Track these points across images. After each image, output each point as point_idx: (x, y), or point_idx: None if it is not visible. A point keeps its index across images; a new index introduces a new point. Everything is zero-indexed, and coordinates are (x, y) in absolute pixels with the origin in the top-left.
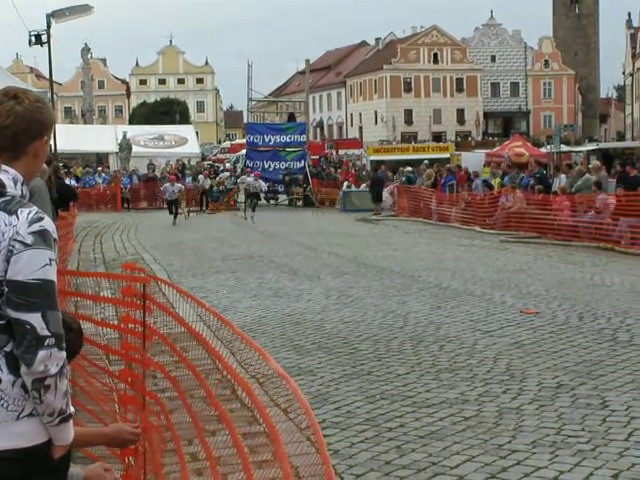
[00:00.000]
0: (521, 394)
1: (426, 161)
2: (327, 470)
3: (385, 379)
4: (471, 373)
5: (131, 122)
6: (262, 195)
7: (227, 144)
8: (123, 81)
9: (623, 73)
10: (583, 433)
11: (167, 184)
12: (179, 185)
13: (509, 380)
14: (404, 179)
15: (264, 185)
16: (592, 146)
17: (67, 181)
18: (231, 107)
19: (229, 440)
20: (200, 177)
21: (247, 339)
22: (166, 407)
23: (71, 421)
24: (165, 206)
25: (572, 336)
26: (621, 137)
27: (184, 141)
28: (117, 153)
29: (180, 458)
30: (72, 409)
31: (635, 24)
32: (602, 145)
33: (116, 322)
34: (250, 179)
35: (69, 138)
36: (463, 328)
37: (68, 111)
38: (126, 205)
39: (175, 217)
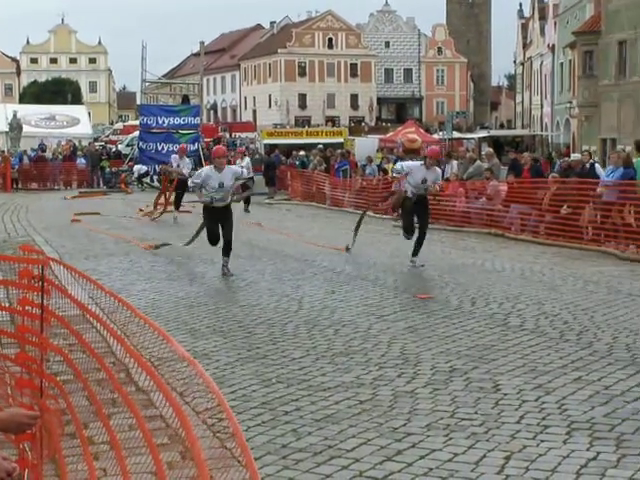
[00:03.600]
0: (415, 378)
1: (320, 145)
2: (247, 460)
3: (280, 363)
4: (366, 357)
5: (21, 101)
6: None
7: (120, 125)
8: (13, 59)
9: (514, 62)
10: (476, 416)
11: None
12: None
13: (403, 364)
14: (297, 163)
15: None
16: (483, 133)
17: None
18: (124, 88)
19: (126, 424)
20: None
21: (151, 323)
22: (65, 390)
23: None
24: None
25: (465, 321)
26: (511, 125)
27: (76, 122)
28: (7, 133)
29: (82, 442)
30: None
31: (526, 14)
32: (493, 132)
33: (7, 304)
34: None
35: None
36: (357, 312)
37: None
38: (15, 185)
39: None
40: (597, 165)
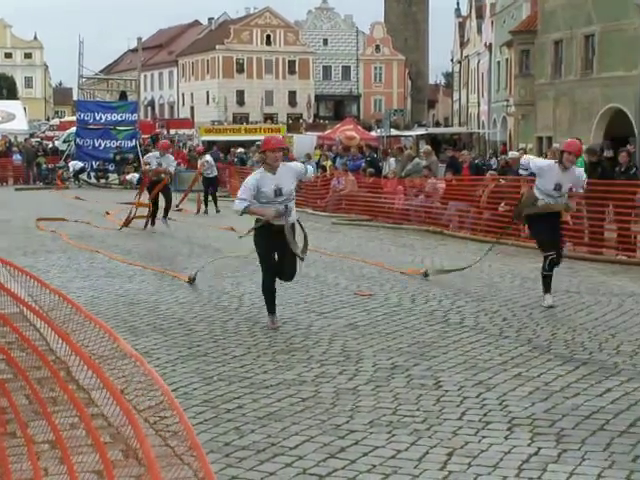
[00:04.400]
0: (357, 375)
1: (258, 142)
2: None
3: (222, 360)
4: (307, 354)
5: None
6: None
7: (56, 121)
8: None
9: (451, 60)
10: (418, 413)
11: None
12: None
13: (345, 361)
14: (236, 160)
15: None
16: (421, 131)
17: None
18: (60, 84)
19: (67, 422)
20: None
21: (97, 320)
22: (7, 388)
23: None
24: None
25: (405, 318)
26: (448, 123)
27: (11, 117)
28: None
29: (27, 441)
30: None
31: (463, 13)
32: (431, 130)
33: None
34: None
35: None
36: (298, 310)
37: None
38: None
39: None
40: None
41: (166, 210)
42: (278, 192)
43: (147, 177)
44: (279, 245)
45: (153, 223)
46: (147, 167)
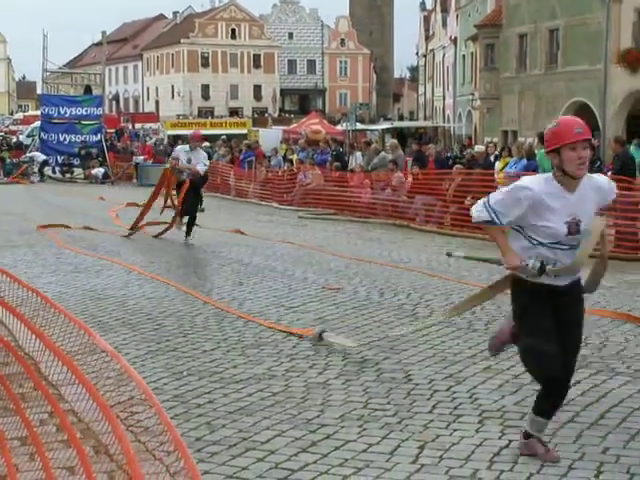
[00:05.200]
0: (327, 369)
1: (224, 136)
2: (183, 454)
3: (191, 355)
4: (277, 349)
5: None
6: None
7: (20, 115)
8: None
9: (416, 54)
10: (389, 406)
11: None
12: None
13: (315, 355)
14: None
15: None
16: (387, 124)
17: None
18: (24, 78)
19: (37, 419)
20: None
21: (71, 316)
22: None
23: None
24: None
25: (374, 311)
26: (413, 117)
27: None
28: None
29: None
30: None
31: (428, 7)
32: (396, 124)
33: None
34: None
35: None
36: (267, 304)
37: None
38: None
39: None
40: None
41: (189, 227)
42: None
43: (171, 174)
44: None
45: (188, 232)
46: (174, 162)
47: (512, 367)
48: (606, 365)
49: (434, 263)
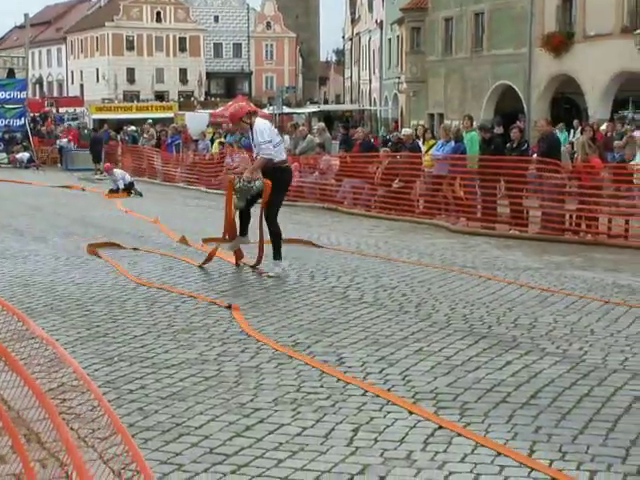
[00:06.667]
0: (259, 353)
1: (150, 120)
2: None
3: (122, 341)
4: (208, 333)
5: None
6: None
7: None
8: None
9: (342, 37)
10: (322, 390)
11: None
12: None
13: (246, 339)
14: (127, 138)
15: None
16: (314, 108)
17: None
18: None
19: None
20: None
21: (7, 305)
22: None
23: None
24: None
25: (305, 295)
26: (339, 100)
27: None
28: None
29: None
30: None
31: None
32: (323, 107)
33: None
34: None
35: None
36: (197, 288)
37: None
38: None
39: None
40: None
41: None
42: None
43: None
44: None
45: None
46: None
47: (444, 349)
48: (536, 345)
49: (363, 246)
